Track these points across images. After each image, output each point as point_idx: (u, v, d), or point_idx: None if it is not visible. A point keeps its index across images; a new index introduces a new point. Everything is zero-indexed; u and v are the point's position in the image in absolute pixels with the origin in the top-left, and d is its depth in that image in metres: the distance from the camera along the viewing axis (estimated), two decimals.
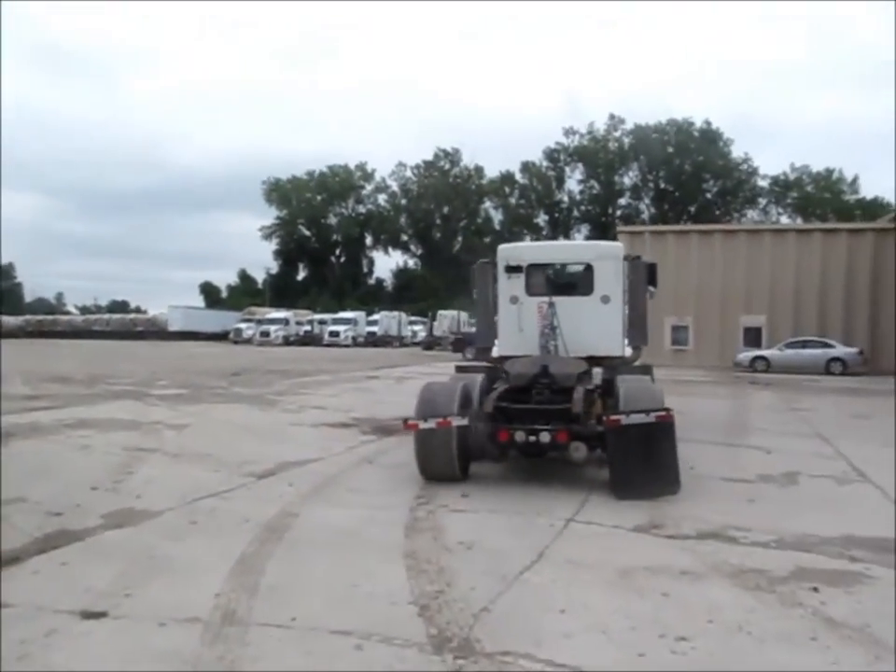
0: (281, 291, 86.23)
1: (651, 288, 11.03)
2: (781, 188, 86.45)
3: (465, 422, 7.69)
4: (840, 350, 31.26)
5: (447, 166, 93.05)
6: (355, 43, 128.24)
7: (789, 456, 9.90)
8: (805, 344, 31.86)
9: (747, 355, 32.34)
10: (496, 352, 10.46)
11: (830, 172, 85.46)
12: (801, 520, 6.54)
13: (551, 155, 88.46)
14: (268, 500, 6.93)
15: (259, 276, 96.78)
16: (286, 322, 61.43)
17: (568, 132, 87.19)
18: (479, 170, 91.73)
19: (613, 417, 7.44)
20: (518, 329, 10.15)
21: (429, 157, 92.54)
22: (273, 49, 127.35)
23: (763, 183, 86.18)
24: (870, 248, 34.03)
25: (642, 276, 10.59)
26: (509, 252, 10.66)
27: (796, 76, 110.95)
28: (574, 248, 12.27)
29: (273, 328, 59.82)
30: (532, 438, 7.48)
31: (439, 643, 3.88)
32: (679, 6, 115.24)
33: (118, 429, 11.28)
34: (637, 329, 10.54)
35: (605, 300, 10.15)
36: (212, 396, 16.73)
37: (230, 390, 18.30)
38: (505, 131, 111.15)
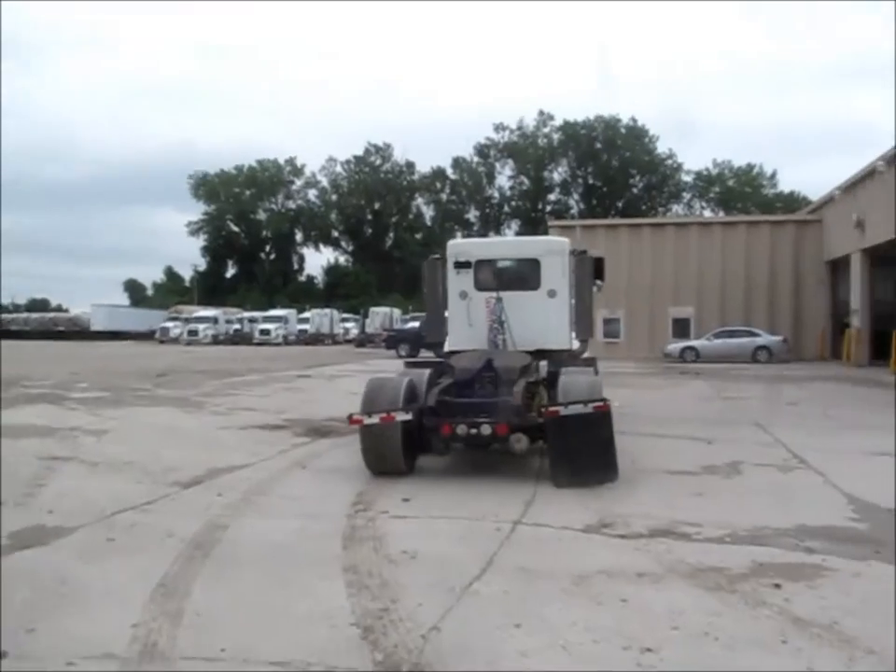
0: (209, 289, 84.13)
1: (599, 282, 11.27)
2: (704, 182, 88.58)
3: (409, 416, 7.72)
4: (766, 339, 32.06)
5: (378, 161, 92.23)
6: (284, 36, 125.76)
7: (729, 446, 9.85)
8: (732, 334, 32.57)
9: (676, 345, 32.86)
10: (446, 346, 10.56)
11: (751, 167, 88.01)
12: (751, 512, 6.40)
13: (481, 150, 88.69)
14: (194, 512, 6.43)
15: (187, 273, 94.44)
16: (214, 320, 59.84)
17: (498, 127, 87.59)
18: (410, 165, 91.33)
19: (552, 408, 7.63)
20: (467, 323, 10.36)
21: (360, 152, 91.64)
22: (200, 41, 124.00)
23: (687, 178, 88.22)
24: (791, 239, 35.00)
25: (588, 270, 10.81)
26: (458, 248, 10.94)
27: (720, 76, 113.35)
28: (521, 244, 12.32)
29: (201, 326, 58.14)
30: (473, 430, 7.58)
31: (387, 670, 3.51)
32: (611, 6, 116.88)
33: (31, 436, 10.48)
34: (583, 322, 10.79)
35: (552, 294, 10.38)
36: (135, 398, 15.93)
37: (155, 392, 17.48)
38: (436, 126, 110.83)
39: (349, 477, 7.85)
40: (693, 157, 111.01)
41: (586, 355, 10.97)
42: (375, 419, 7.62)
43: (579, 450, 7.47)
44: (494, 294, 10.24)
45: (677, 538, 5.63)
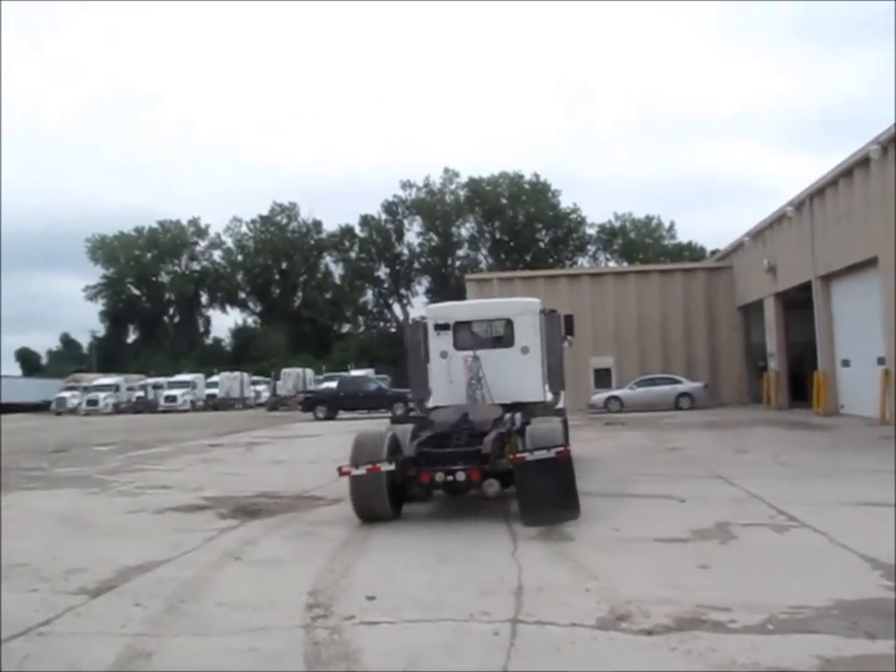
0: (110, 355, 79.95)
1: (569, 337, 12.46)
2: (608, 235, 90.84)
3: (392, 467, 8.43)
4: (687, 385, 32.09)
5: (284, 221, 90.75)
6: (182, 96, 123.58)
7: (705, 504, 9.08)
8: (654, 382, 32.48)
9: (601, 396, 32.51)
10: (430, 402, 11.32)
11: (650, 219, 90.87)
12: (773, 586, 5.56)
13: (389, 208, 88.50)
14: (106, 633, 5.09)
15: (85, 340, 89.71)
16: (116, 388, 56.46)
17: (406, 185, 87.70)
18: (317, 224, 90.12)
19: (519, 455, 8.39)
20: (448, 381, 11.24)
21: (265, 212, 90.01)
22: (91, 98, 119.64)
23: (591, 231, 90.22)
24: (703, 286, 35.52)
25: (558, 327, 11.87)
26: (437, 312, 12.14)
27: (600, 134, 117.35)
28: (495, 306, 13.38)
29: (101, 395, 54.66)
30: (450, 477, 8.39)
31: None
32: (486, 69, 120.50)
33: None
34: (555, 375, 11.68)
35: (525, 350, 11.37)
36: (27, 481, 14.11)
37: (50, 472, 15.63)
38: (342, 185, 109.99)
39: (295, 570, 6.64)
40: (591, 210, 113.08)
41: (559, 405, 11.67)
42: (362, 470, 8.32)
43: (544, 491, 8.15)
44: (471, 353, 11.17)
45: (711, 629, 4.69)
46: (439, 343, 11.50)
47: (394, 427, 10.14)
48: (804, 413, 24.43)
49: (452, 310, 12.56)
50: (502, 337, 11.70)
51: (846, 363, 24.04)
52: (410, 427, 9.80)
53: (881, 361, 20.60)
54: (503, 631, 4.78)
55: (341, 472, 8.50)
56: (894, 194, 19.02)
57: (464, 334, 11.62)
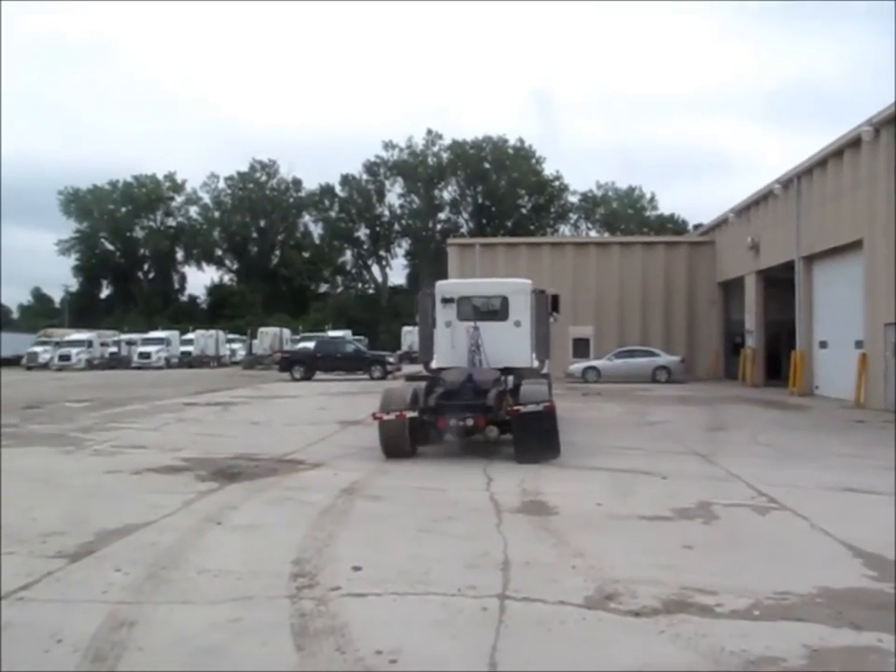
0: (83, 311, 78.82)
1: (555, 314, 13.87)
2: (590, 204, 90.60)
3: (415, 414, 10.78)
4: (664, 359, 32.25)
5: (263, 178, 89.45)
6: (165, 46, 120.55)
7: (686, 482, 9.13)
8: (632, 354, 32.61)
9: (578, 366, 32.60)
10: (434, 364, 13.08)
11: (632, 189, 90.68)
12: (757, 570, 5.59)
13: (370, 168, 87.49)
14: (88, 599, 5.00)
15: (57, 295, 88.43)
16: (89, 344, 55.71)
17: (388, 145, 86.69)
18: (297, 182, 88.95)
19: (514, 408, 10.61)
20: (451, 346, 12.94)
21: (244, 168, 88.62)
22: (57, 48, 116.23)
23: (573, 199, 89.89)
24: (685, 260, 35.54)
25: (546, 305, 13.35)
26: (445, 287, 13.78)
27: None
28: (494, 285, 14.95)
29: (74, 350, 53.96)
30: (461, 423, 10.68)
31: None
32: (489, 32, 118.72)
33: None
34: (541, 345, 13.19)
35: (517, 324, 13.06)
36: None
37: (23, 429, 15.39)
38: (323, 143, 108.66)
39: (278, 536, 6.57)
40: (573, 178, 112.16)
41: (544, 371, 13.21)
42: (392, 416, 10.63)
43: (533, 436, 10.35)
44: (472, 324, 12.82)
45: (698, 612, 4.69)
46: (444, 314, 13.12)
47: (411, 383, 12.23)
48: (778, 392, 24.67)
49: (457, 286, 14.83)
50: (498, 311, 13.27)
51: (823, 344, 24.25)
52: (423, 384, 11.78)
53: (859, 345, 20.78)
54: (491, 607, 4.75)
55: (374, 417, 10.80)
56: (883, 177, 19.06)
57: (466, 307, 13.22)
